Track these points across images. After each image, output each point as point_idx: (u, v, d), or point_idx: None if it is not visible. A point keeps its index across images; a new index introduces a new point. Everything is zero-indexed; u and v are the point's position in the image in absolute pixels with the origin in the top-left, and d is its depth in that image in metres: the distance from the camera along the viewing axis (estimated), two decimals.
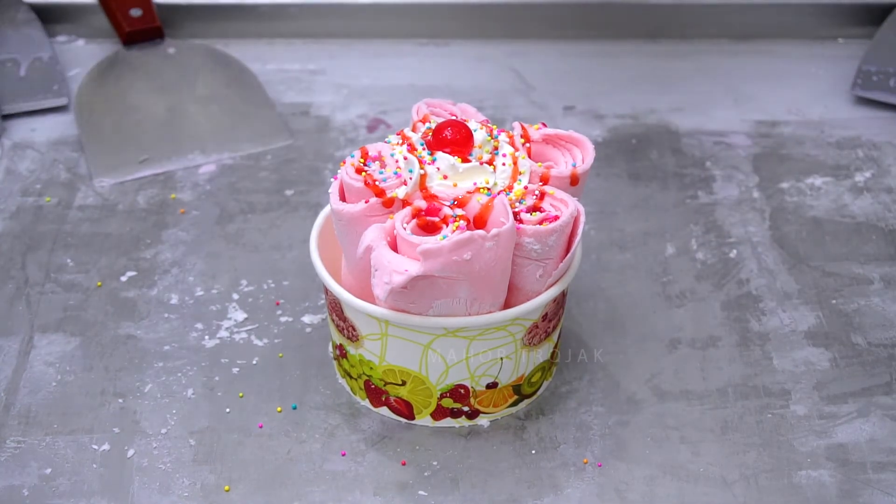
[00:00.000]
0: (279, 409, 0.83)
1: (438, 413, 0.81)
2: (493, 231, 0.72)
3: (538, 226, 0.74)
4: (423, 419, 0.81)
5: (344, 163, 0.78)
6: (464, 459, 0.80)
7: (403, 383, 0.80)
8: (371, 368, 0.80)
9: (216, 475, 0.79)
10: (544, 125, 0.81)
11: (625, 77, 1.12)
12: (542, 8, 1.17)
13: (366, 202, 0.75)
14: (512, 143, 0.79)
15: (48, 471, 0.79)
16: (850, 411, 0.83)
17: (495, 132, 0.79)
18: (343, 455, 0.80)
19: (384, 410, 0.82)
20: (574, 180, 0.78)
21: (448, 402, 0.80)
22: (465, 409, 0.81)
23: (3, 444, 0.80)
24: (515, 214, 0.75)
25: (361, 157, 0.78)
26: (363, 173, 0.77)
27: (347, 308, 0.79)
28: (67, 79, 1.11)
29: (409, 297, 0.75)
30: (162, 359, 0.86)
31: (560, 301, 0.81)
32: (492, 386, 0.80)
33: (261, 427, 0.82)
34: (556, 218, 0.75)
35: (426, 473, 0.79)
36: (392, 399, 0.81)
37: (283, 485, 0.78)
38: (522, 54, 1.16)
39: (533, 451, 0.80)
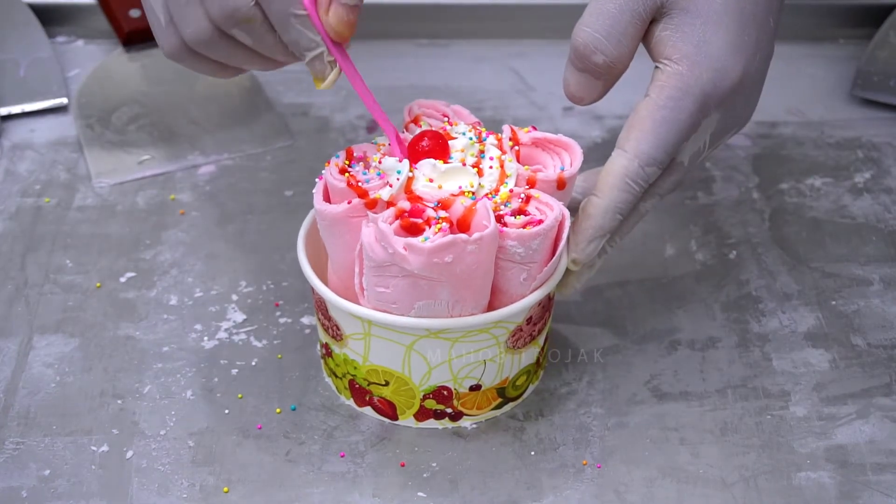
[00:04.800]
0: (278, 410, 0.83)
1: (421, 414, 0.81)
2: (476, 234, 0.72)
3: (521, 229, 0.74)
4: (407, 420, 0.81)
5: (329, 163, 0.78)
6: (463, 461, 0.80)
7: (387, 384, 0.80)
8: (355, 368, 0.80)
9: (215, 476, 0.79)
10: (534, 128, 0.81)
11: (624, 77, 1.12)
12: (542, 8, 1.17)
13: (348, 203, 0.76)
14: (500, 146, 0.79)
15: (47, 472, 0.79)
16: (850, 413, 0.83)
17: (484, 135, 0.79)
18: (342, 456, 0.80)
19: (368, 410, 0.82)
20: (561, 184, 0.78)
21: (431, 404, 0.80)
22: (449, 410, 0.81)
23: (2, 445, 0.80)
24: (500, 217, 0.75)
25: (346, 158, 0.78)
26: (346, 174, 0.77)
27: (331, 307, 0.79)
28: (67, 79, 1.11)
29: (390, 299, 0.75)
30: (161, 360, 0.86)
31: (546, 305, 0.81)
32: (475, 388, 0.80)
33: (260, 428, 0.82)
34: (541, 222, 0.75)
35: (425, 475, 0.79)
36: (376, 399, 0.81)
37: (281, 486, 0.78)
38: (522, 54, 1.16)
39: (532, 453, 0.80)
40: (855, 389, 0.84)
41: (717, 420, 0.82)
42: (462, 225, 0.74)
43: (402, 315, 0.76)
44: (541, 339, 0.83)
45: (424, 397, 0.80)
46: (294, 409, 0.83)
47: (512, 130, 0.80)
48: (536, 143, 0.80)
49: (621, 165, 0.78)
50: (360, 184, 0.76)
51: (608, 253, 0.81)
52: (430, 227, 0.73)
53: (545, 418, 0.83)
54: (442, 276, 0.73)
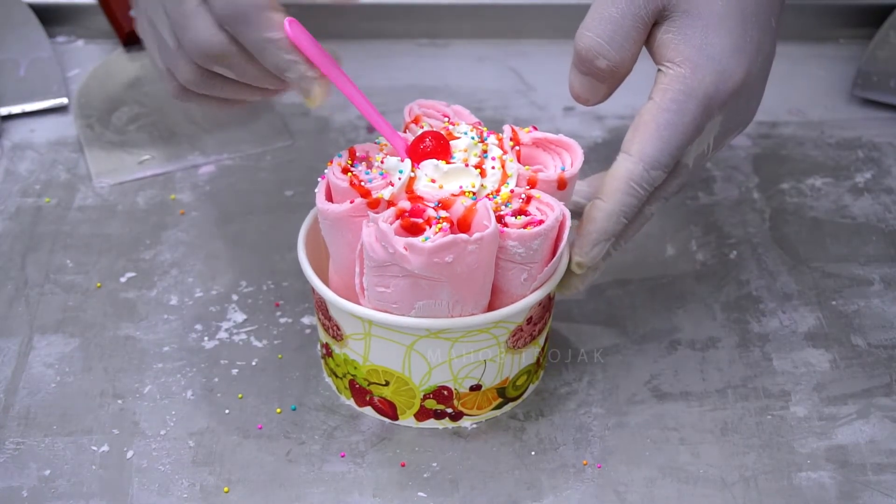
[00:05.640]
0: (278, 410, 0.83)
1: (422, 414, 0.81)
2: (476, 234, 0.72)
3: (522, 229, 0.74)
4: (407, 420, 0.81)
5: (331, 162, 0.78)
6: (463, 461, 0.80)
7: (387, 384, 0.80)
8: (355, 368, 0.80)
9: (215, 476, 0.79)
10: (535, 128, 0.81)
11: (627, 78, 1.12)
12: (542, 8, 1.17)
13: (351, 202, 0.76)
14: (501, 146, 0.79)
15: (47, 472, 0.79)
16: (850, 413, 0.83)
17: (485, 135, 0.79)
18: (342, 456, 0.80)
19: (368, 410, 0.82)
20: (561, 184, 0.78)
21: (431, 404, 0.80)
22: (449, 410, 0.81)
23: (3, 445, 0.80)
24: (500, 218, 0.75)
25: (349, 157, 0.79)
26: (349, 173, 0.77)
27: (332, 307, 0.79)
28: (67, 79, 1.11)
29: (391, 299, 0.75)
30: (161, 360, 0.86)
31: (546, 305, 0.81)
32: (475, 388, 0.80)
33: (260, 428, 0.82)
34: (541, 222, 0.75)
35: (425, 475, 0.79)
36: (376, 399, 0.81)
37: (282, 486, 0.78)
38: (522, 54, 1.16)
39: (532, 453, 0.80)
40: (855, 389, 0.84)
41: (717, 420, 0.82)
42: (462, 225, 0.74)
43: (403, 315, 0.76)
44: (541, 339, 0.83)
45: (425, 397, 0.80)
46: (294, 409, 0.83)
47: (513, 130, 0.80)
48: (537, 144, 0.80)
49: (626, 169, 0.78)
50: (362, 183, 0.76)
51: (612, 256, 0.81)
52: (430, 226, 0.73)
53: (545, 418, 0.83)
54: (442, 276, 0.73)
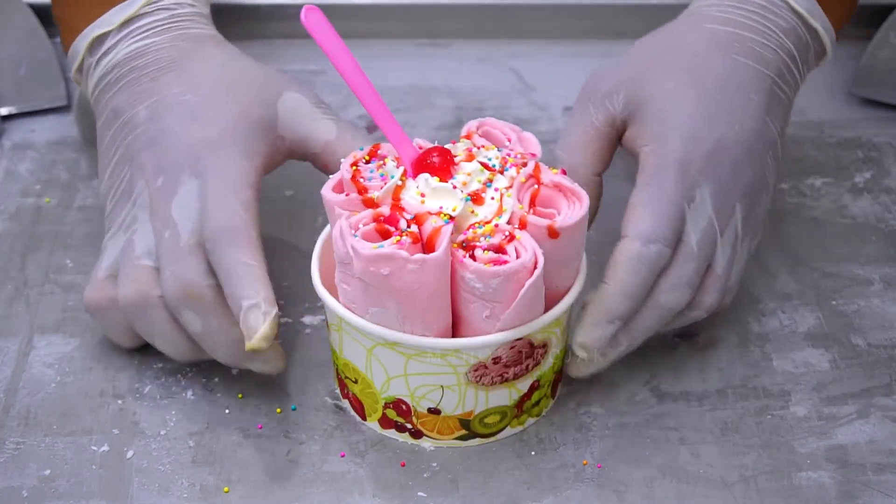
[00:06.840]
0: (279, 410, 0.83)
1: (385, 422, 0.80)
2: (417, 256, 0.72)
3: (482, 265, 0.73)
4: (373, 423, 0.81)
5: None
6: (463, 461, 0.80)
7: (356, 381, 0.80)
8: (336, 357, 0.81)
9: (215, 476, 0.79)
10: (564, 172, 0.78)
11: None
12: (542, 8, 1.17)
13: (346, 194, 0.76)
14: (512, 181, 0.77)
15: (47, 472, 0.79)
16: (850, 412, 0.83)
17: (508, 166, 0.77)
18: (342, 456, 0.80)
19: (346, 404, 0.83)
20: (552, 233, 0.75)
21: (392, 414, 0.80)
22: (409, 426, 0.80)
23: (3, 445, 0.80)
24: (472, 248, 0.74)
25: (368, 154, 0.79)
26: (355, 167, 0.77)
27: (318, 294, 0.79)
28: (67, 79, 1.11)
29: (351, 297, 0.75)
30: (161, 360, 0.86)
31: (528, 352, 0.78)
32: (434, 412, 0.79)
33: (260, 428, 0.82)
34: (506, 262, 0.73)
35: (425, 475, 0.79)
36: (350, 394, 0.81)
37: (282, 486, 0.78)
38: (522, 54, 1.16)
39: (532, 453, 0.80)
40: (855, 389, 0.84)
41: (717, 420, 0.82)
42: (429, 244, 0.74)
43: (361, 316, 0.76)
44: (522, 385, 0.79)
45: (386, 405, 0.79)
46: (294, 409, 0.83)
47: (536, 166, 0.77)
48: (558, 187, 0.77)
49: (624, 248, 0.79)
50: (361, 180, 0.76)
51: (624, 347, 0.81)
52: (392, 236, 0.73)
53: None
54: (382, 287, 0.73)
